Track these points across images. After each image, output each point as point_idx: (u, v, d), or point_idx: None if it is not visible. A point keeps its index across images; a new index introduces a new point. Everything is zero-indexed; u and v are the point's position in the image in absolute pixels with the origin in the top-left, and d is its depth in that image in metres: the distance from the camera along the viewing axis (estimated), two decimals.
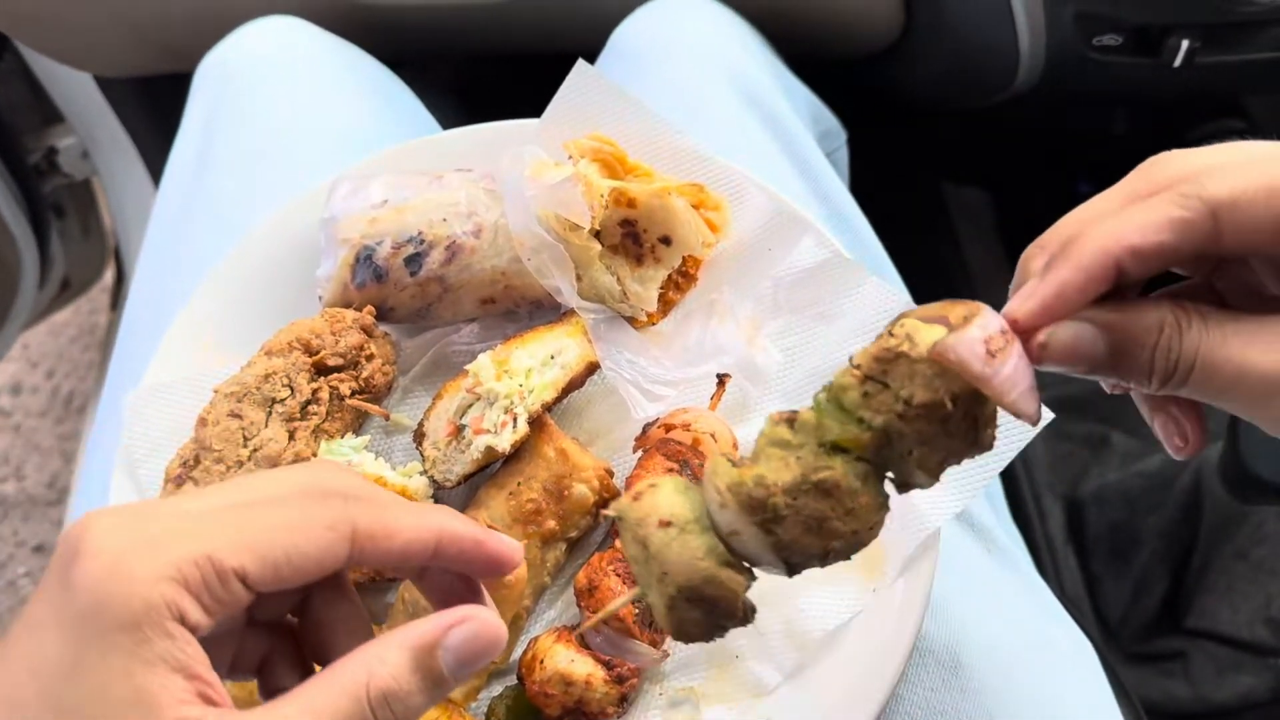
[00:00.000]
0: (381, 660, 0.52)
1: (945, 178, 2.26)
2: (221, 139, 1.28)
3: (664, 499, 0.60)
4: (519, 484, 0.93)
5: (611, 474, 0.96)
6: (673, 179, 1.04)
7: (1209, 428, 0.62)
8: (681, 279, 1.06)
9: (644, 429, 0.99)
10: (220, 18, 1.42)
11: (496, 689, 0.92)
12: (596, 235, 1.00)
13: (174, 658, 0.49)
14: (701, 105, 1.25)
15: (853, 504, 0.57)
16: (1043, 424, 0.63)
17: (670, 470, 0.93)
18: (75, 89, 1.96)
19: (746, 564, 0.60)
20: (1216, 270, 0.61)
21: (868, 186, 1.45)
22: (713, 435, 0.94)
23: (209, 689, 0.50)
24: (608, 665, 0.87)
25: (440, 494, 0.98)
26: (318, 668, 0.58)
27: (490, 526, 0.85)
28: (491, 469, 0.97)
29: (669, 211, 1.01)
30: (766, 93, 1.30)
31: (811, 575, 0.95)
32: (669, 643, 0.93)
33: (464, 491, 0.99)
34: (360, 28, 1.51)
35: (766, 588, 0.96)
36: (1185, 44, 1.37)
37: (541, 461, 0.94)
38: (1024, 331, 0.54)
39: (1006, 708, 0.97)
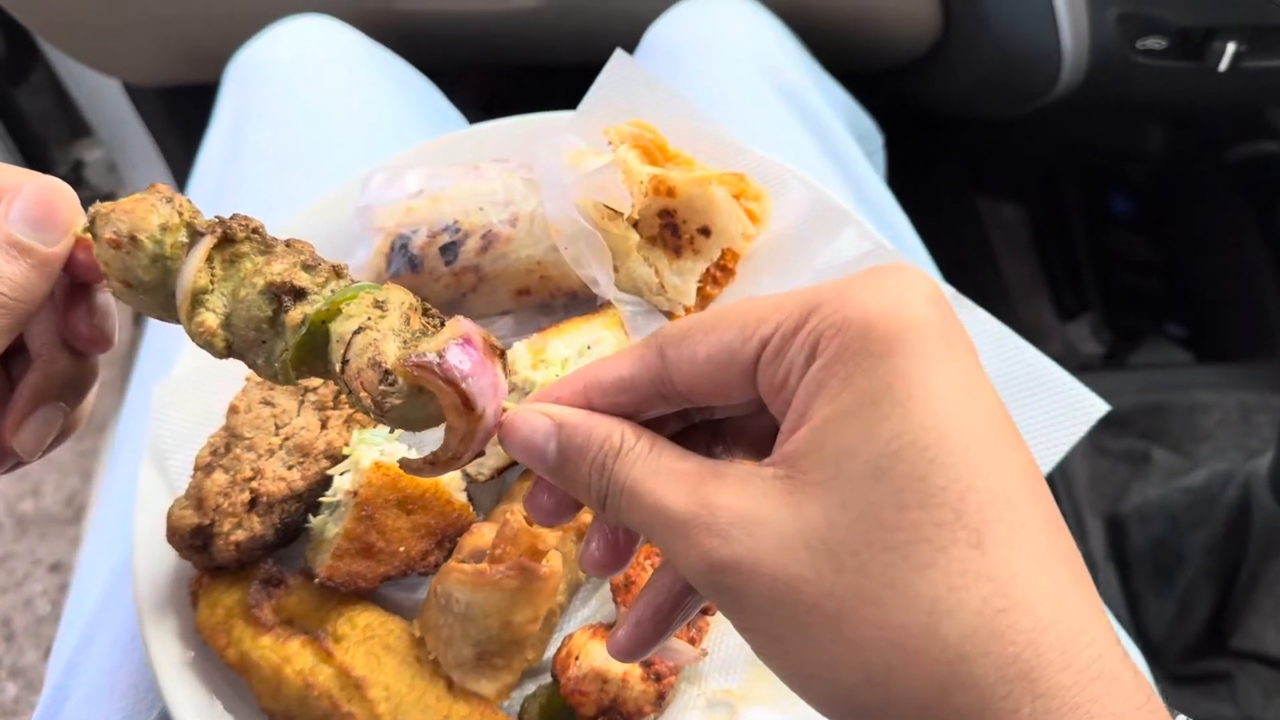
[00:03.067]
0: None
1: (981, 193, 2.23)
2: (251, 135, 1.27)
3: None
4: None
5: None
6: (713, 168, 1.02)
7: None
8: (720, 273, 1.03)
9: None
10: (251, 19, 1.42)
11: (530, 688, 0.89)
12: (635, 225, 0.98)
13: None
14: (738, 102, 1.24)
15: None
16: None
17: None
18: (103, 101, 1.97)
19: None
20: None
21: (902, 199, 1.43)
22: None
23: None
24: (645, 663, 0.84)
25: (472, 487, 0.95)
26: None
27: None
28: None
29: (709, 201, 0.99)
30: (803, 90, 1.28)
31: None
32: (708, 642, 0.89)
33: (497, 485, 0.96)
34: (392, 34, 1.50)
35: None
36: (1231, 47, 1.34)
37: None
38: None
39: None
